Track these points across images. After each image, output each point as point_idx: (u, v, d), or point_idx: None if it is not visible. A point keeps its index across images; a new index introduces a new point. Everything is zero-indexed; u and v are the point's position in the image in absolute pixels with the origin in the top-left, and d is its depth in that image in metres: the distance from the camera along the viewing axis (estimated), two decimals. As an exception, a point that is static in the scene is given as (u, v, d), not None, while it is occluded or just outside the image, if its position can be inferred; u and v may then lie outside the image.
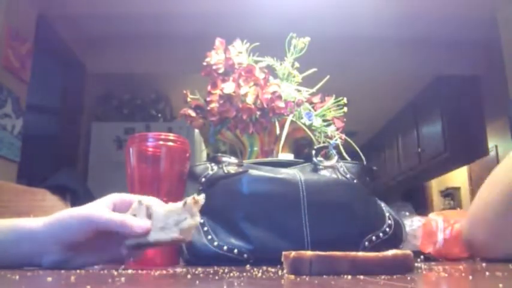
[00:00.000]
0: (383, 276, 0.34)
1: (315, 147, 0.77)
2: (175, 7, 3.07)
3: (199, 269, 0.47)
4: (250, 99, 0.87)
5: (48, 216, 0.48)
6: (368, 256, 0.36)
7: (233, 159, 0.73)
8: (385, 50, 3.52)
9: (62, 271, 0.42)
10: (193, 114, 0.96)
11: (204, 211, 0.68)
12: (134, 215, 0.48)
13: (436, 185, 5.11)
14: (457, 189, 4.55)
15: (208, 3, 3.04)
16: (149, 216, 0.47)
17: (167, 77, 3.81)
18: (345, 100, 0.98)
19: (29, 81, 2.80)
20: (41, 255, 0.46)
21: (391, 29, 3.28)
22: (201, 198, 0.48)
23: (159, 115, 3.97)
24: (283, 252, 0.39)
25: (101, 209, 0.48)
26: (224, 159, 0.73)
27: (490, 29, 3.09)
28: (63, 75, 3.47)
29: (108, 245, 0.49)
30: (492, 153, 3.64)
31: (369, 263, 0.35)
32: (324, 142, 0.92)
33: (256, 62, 0.96)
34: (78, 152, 3.53)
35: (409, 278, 0.33)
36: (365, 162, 0.80)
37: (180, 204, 0.47)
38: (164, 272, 0.43)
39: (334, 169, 0.73)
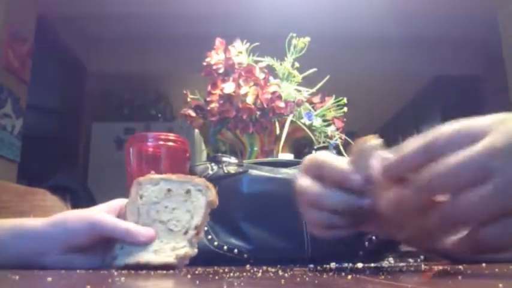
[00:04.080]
0: (383, 276, 0.34)
1: (315, 147, 0.77)
2: (176, 7, 3.07)
3: (199, 269, 0.47)
4: (250, 99, 0.87)
5: (51, 217, 0.48)
6: None
7: (233, 159, 0.73)
8: (385, 50, 3.52)
9: (62, 271, 0.42)
10: (193, 114, 0.96)
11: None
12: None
13: (436, 185, 5.09)
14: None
15: (208, 3, 3.04)
16: None
17: (167, 77, 3.81)
18: (345, 100, 0.98)
19: (29, 81, 2.80)
20: (42, 254, 0.46)
21: (391, 29, 3.28)
22: (202, 234, 0.47)
23: (159, 115, 3.97)
24: None
25: (106, 214, 0.48)
26: (224, 159, 0.73)
27: (490, 28, 3.09)
28: (63, 75, 3.47)
29: (111, 247, 0.49)
30: (492, 153, 3.64)
31: None
32: (324, 142, 0.92)
33: (256, 62, 0.96)
34: (78, 152, 3.53)
35: (409, 278, 0.33)
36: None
37: (180, 231, 0.46)
38: (164, 272, 0.43)
39: (334, 169, 0.73)
